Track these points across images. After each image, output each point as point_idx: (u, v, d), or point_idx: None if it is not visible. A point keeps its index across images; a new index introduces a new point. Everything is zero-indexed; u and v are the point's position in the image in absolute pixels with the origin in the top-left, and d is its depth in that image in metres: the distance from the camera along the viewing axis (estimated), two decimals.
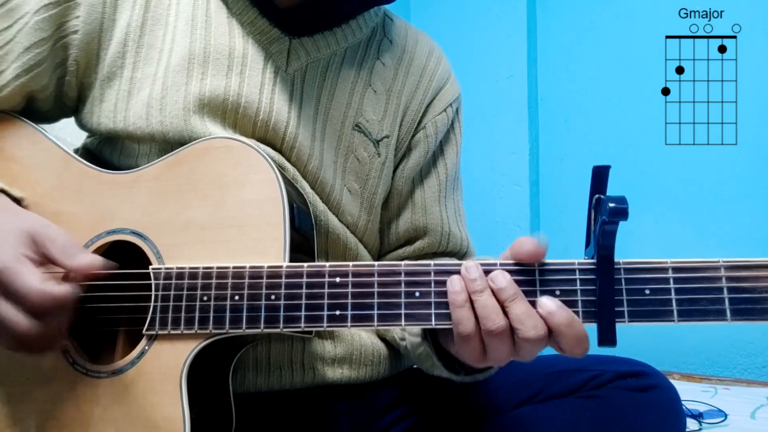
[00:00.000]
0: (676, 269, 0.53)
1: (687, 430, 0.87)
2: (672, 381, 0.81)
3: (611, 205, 0.49)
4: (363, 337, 0.79)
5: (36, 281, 0.55)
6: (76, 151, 0.79)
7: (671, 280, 0.53)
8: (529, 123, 2.33)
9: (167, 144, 0.70)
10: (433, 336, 0.64)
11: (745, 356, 1.97)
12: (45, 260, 0.58)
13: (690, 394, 1.62)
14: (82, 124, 0.77)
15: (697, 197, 2.06)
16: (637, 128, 2.18)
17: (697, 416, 1.41)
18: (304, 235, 0.67)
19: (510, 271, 0.55)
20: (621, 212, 0.49)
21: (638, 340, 2.02)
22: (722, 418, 1.43)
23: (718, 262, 0.53)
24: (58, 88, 0.74)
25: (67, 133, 0.83)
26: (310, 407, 0.76)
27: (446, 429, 0.79)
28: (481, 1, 2.42)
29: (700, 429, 1.37)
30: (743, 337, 1.97)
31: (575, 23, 2.34)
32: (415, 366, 0.83)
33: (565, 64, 2.35)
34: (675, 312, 0.52)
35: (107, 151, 0.75)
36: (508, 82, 2.36)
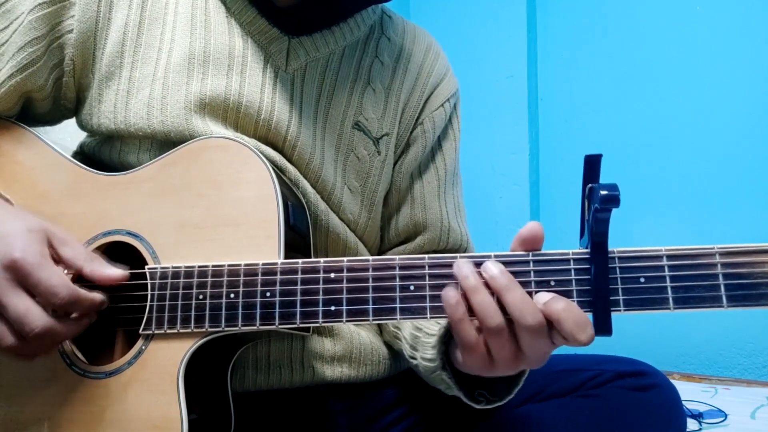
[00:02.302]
0: (670, 257, 0.53)
1: (687, 430, 0.87)
2: (672, 381, 0.81)
3: (603, 192, 0.49)
4: (363, 336, 0.79)
5: (65, 280, 0.56)
6: (75, 153, 0.79)
7: (666, 268, 0.53)
8: (529, 123, 2.33)
9: (170, 144, 0.70)
10: (449, 357, 0.63)
11: (745, 356, 1.97)
12: (59, 260, 0.59)
13: (690, 394, 1.61)
14: (82, 125, 0.77)
15: (697, 197, 2.06)
16: (637, 128, 2.18)
17: (697, 416, 1.41)
18: (299, 232, 0.67)
19: (504, 263, 0.55)
20: (612, 199, 0.49)
21: (638, 340, 2.02)
22: (722, 418, 1.43)
23: (713, 248, 0.53)
24: (57, 90, 0.74)
25: (68, 132, 0.83)
26: (309, 406, 0.76)
27: (445, 429, 0.79)
28: (481, 1, 2.42)
29: (700, 429, 1.37)
30: (743, 337, 1.96)
31: (575, 23, 2.33)
32: None
33: (565, 64, 2.35)
34: (671, 300, 0.52)
35: (106, 150, 0.75)
36: (508, 82, 2.36)
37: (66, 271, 0.60)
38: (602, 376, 0.77)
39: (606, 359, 0.80)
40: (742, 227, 1.96)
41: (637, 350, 1.98)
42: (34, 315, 0.55)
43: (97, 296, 0.60)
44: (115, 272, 0.61)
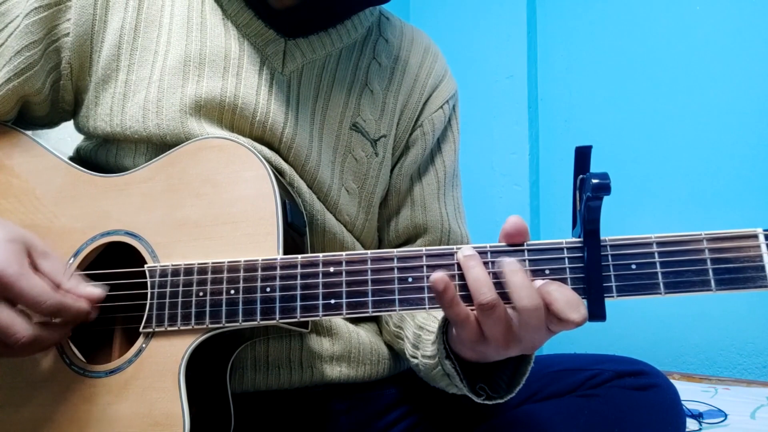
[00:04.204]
0: (660, 243, 0.55)
1: (687, 430, 0.87)
2: (672, 381, 0.81)
3: (594, 181, 0.51)
4: (362, 336, 0.79)
5: (48, 288, 0.56)
6: (71, 157, 0.79)
7: (656, 254, 0.54)
8: (529, 123, 2.33)
9: (165, 146, 0.70)
10: (451, 347, 0.64)
11: (745, 356, 1.97)
12: (38, 272, 0.58)
13: (690, 394, 1.61)
14: (79, 128, 0.77)
15: (697, 197, 2.06)
16: (636, 128, 2.18)
17: (697, 416, 1.41)
18: (297, 230, 0.67)
19: (500, 252, 0.56)
20: (604, 187, 0.51)
21: (638, 340, 2.02)
22: (722, 418, 1.42)
23: (701, 234, 0.55)
24: (54, 93, 0.74)
25: (68, 133, 0.83)
26: (310, 406, 0.76)
27: (445, 429, 0.79)
28: (481, 1, 2.42)
29: (700, 429, 1.37)
30: (743, 337, 1.96)
31: (575, 23, 2.34)
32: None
33: (565, 64, 2.35)
34: (661, 285, 0.54)
35: (102, 154, 0.75)
36: (508, 82, 2.36)
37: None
38: (601, 375, 0.77)
39: (605, 359, 0.80)
40: (742, 226, 1.96)
41: (637, 350, 1.98)
42: (19, 326, 0.55)
43: (83, 305, 0.59)
44: (92, 291, 0.60)
